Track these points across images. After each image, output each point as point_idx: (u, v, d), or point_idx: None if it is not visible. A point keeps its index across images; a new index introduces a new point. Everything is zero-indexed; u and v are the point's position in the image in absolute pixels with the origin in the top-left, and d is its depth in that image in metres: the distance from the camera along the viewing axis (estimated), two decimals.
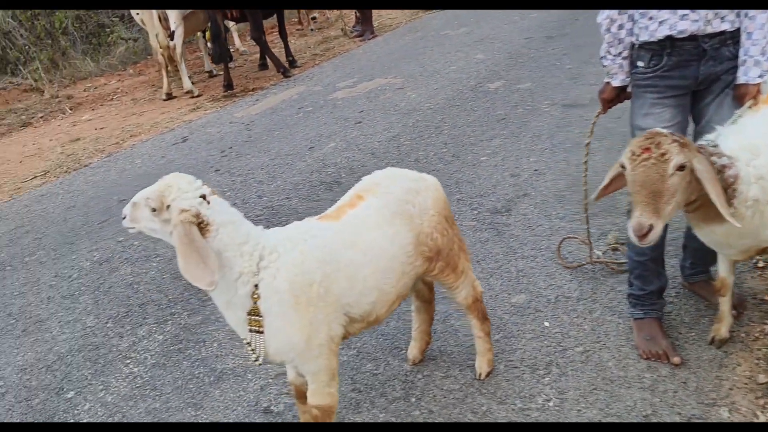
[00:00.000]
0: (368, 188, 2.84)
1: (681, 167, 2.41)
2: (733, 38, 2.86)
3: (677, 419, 2.78)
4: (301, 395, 2.90)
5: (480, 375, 3.22)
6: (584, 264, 3.95)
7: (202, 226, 2.43)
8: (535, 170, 5.42)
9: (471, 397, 3.12)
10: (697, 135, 3.02)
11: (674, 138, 2.47)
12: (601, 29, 3.08)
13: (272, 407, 3.27)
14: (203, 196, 2.47)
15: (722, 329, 3.16)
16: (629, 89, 3.19)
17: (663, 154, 2.40)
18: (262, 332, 2.53)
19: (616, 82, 3.15)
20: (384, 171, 2.95)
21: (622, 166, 2.55)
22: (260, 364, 2.62)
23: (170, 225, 2.43)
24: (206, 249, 2.38)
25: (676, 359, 3.08)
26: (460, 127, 6.71)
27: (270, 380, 3.46)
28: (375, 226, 2.71)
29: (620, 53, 3.06)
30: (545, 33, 10.04)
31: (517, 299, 3.77)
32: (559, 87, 7.42)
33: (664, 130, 2.53)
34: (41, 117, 11.07)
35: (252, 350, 2.59)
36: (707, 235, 2.77)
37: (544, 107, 6.87)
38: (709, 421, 2.75)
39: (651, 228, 2.39)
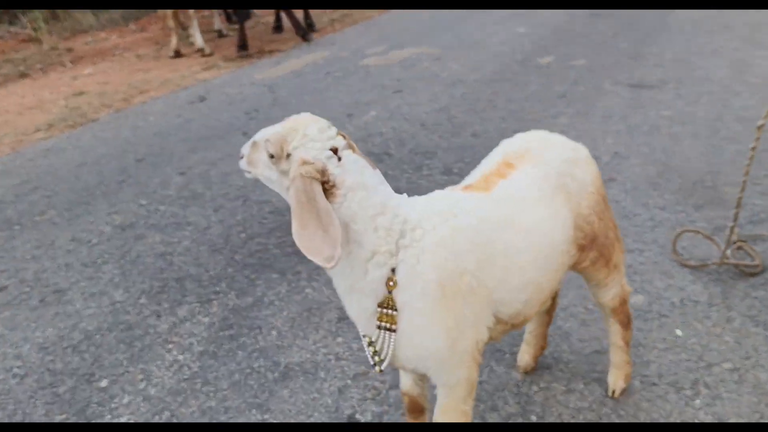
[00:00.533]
0: (519, 154, 2.24)
1: None
2: None
3: None
4: (417, 409, 2.33)
5: (613, 392, 2.66)
6: (711, 264, 3.39)
7: (327, 186, 1.83)
8: (616, 153, 4.85)
9: (607, 418, 2.56)
10: None
11: None
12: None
13: (357, 415, 2.69)
14: (334, 150, 1.88)
15: None
16: None
17: None
18: (394, 330, 1.94)
19: None
20: (532, 134, 2.36)
21: None
22: (381, 371, 2.04)
23: (289, 178, 1.84)
24: (329, 214, 1.79)
25: None
26: (516, 102, 6.12)
27: (348, 381, 2.88)
28: (535, 203, 2.13)
29: None
30: (589, 11, 9.44)
31: (635, 300, 3.20)
32: (619, 66, 6.85)
33: None
34: (40, 69, 10.26)
35: (375, 352, 2.00)
36: None
37: (607, 86, 6.29)
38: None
39: None
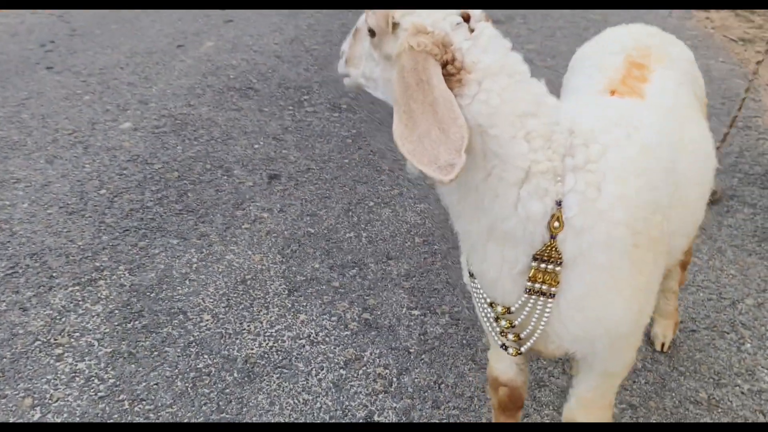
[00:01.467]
0: (643, 53, 1.68)
1: None
2: None
3: None
4: (517, 403, 1.71)
5: (662, 345, 2.28)
6: None
7: (451, 69, 1.18)
8: None
9: (672, 380, 2.17)
10: None
11: None
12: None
13: (375, 416, 2.01)
14: (465, 18, 1.18)
15: None
16: None
17: None
18: (553, 295, 1.30)
19: None
20: (637, 27, 1.83)
21: None
22: (518, 353, 1.41)
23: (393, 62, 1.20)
24: (451, 106, 1.14)
25: None
26: None
27: (341, 371, 2.16)
28: (690, 116, 1.62)
29: None
30: None
31: None
32: None
33: None
34: None
35: (510, 326, 1.36)
36: None
37: None
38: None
39: None
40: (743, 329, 2.39)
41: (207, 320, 2.36)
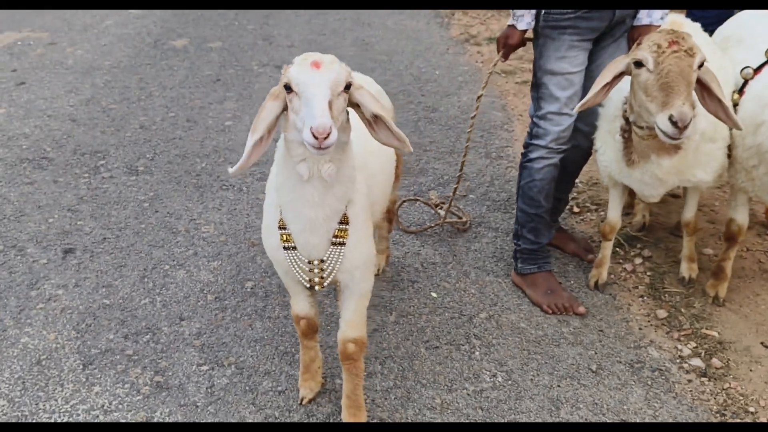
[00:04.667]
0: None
1: (701, 65, 2.39)
2: None
3: (623, 368, 2.79)
4: (313, 330, 2.53)
5: (379, 269, 3.33)
6: (432, 226, 3.72)
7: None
8: None
9: (416, 392, 2.66)
10: (587, 76, 2.98)
11: (691, 35, 2.44)
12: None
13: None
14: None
15: (603, 273, 3.29)
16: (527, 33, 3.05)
17: (691, 48, 2.36)
18: (344, 244, 2.16)
19: (522, 26, 2.95)
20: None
21: (638, 64, 2.44)
22: (322, 287, 2.24)
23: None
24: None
25: (581, 309, 3.10)
26: (172, 89, 5.74)
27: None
28: None
29: None
30: None
31: (388, 269, 3.36)
32: (257, 48, 6.92)
33: (683, 33, 2.45)
34: None
35: (320, 270, 2.18)
36: (647, 171, 2.73)
37: (255, 68, 6.31)
38: (647, 365, 2.82)
39: (691, 119, 2.28)
40: (475, 339, 2.94)
41: (3, 405, 2.53)
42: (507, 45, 3.07)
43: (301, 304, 2.46)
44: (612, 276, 3.38)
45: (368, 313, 3.00)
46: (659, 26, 2.97)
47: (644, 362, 2.83)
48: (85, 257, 3.44)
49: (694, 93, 2.44)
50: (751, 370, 2.77)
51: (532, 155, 3.11)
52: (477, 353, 2.87)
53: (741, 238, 3.08)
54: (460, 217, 3.81)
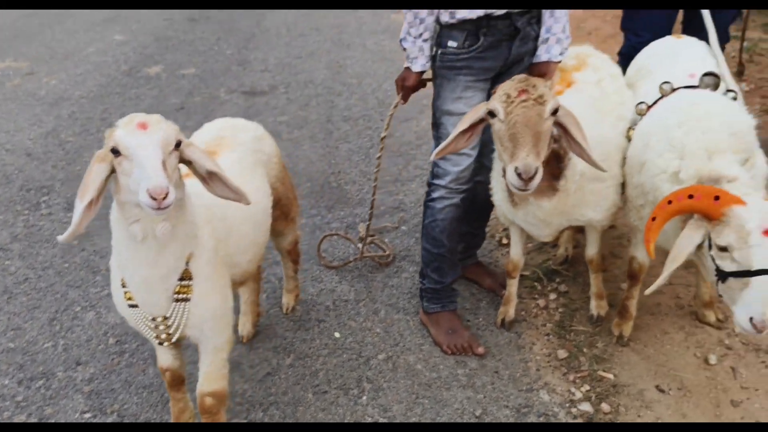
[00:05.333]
0: (215, 143, 2.60)
1: (555, 111, 2.33)
2: (536, 17, 2.87)
3: (508, 413, 2.74)
4: (178, 381, 2.55)
5: (288, 309, 3.37)
6: (352, 261, 3.70)
7: None
8: None
9: None
10: None
11: (545, 83, 2.39)
12: (403, 8, 2.86)
13: None
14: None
15: (510, 311, 3.23)
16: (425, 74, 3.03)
17: (541, 96, 2.30)
18: (188, 300, 2.17)
19: (416, 67, 2.93)
20: (217, 122, 2.83)
21: (491, 113, 2.37)
22: (170, 343, 2.26)
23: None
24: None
25: (480, 350, 3.05)
26: None
27: None
28: (247, 179, 2.52)
29: (421, 35, 2.84)
30: (186, 15, 9.38)
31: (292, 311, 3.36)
32: (230, 73, 6.98)
33: (532, 78, 2.39)
34: None
35: (166, 327, 2.19)
36: (530, 212, 2.70)
37: (223, 95, 6.37)
38: (534, 409, 2.77)
39: (536, 171, 2.22)
40: (366, 383, 2.92)
41: None
42: (404, 87, 3.05)
43: (163, 357, 2.47)
44: (523, 312, 3.33)
45: (265, 356, 3.06)
46: (558, 62, 2.94)
47: (532, 406, 2.77)
48: (2, 299, 3.50)
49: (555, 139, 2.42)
50: (639, 416, 2.70)
51: (434, 195, 3.08)
52: (364, 398, 2.85)
53: (643, 276, 3.00)
54: (385, 251, 3.79)
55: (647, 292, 2.37)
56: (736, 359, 2.95)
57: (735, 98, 2.72)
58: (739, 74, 4.58)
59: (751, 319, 2.14)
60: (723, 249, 2.18)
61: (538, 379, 2.92)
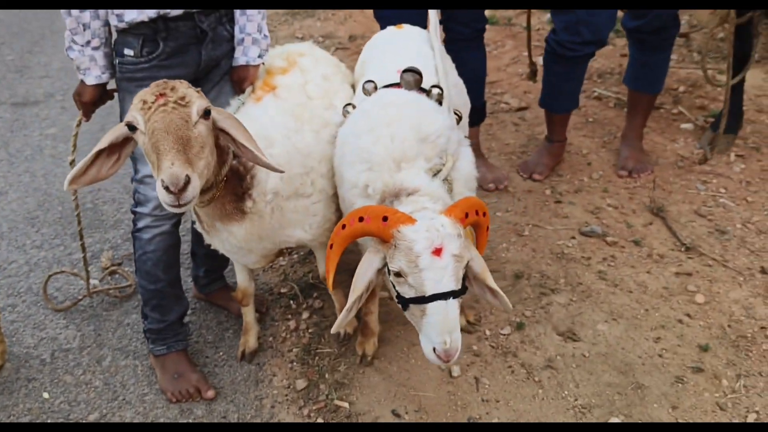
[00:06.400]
0: None
1: (206, 113, 2.00)
2: (228, 16, 2.56)
3: None
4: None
5: None
6: (80, 300, 3.26)
7: None
8: None
9: None
10: None
11: (189, 84, 2.04)
12: (63, 13, 2.42)
13: None
14: None
15: (251, 340, 2.91)
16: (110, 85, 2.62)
17: (183, 98, 1.96)
18: None
19: (90, 80, 2.51)
20: None
21: (131, 127, 1.99)
22: None
23: None
24: None
25: (209, 393, 2.72)
26: None
27: None
28: None
29: (89, 42, 2.44)
30: None
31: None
32: (5, 82, 6.25)
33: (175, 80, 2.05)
34: None
35: None
36: (225, 240, 2.40)
37: None
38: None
39: (188, 180, 1.87)
40: None
41: None
42: (83, 103, 2.63)
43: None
44: (271, 338, 3.02)
45: None
46: (258, 66, 2.61)
47: None
48: None
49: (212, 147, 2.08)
50: None
51: (139, 224, 2.68)
52: None
53: (379, 290, 2.76)
54: (127, 280, 3.37)
55: (332, 330, 2.10)
56: (482, 367, 2.76)
57: (440, 96, 2.47)
58: (532, 74, 4.47)
59: (434, 349, 1.91)
60: (398, 274, 1.93)
61: (271, 418, 2.62)
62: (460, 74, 3.11)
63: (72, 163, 2.82)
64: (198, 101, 2.00)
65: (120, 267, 3.46)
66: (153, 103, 1.95)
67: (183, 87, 2.01)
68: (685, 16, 5.88)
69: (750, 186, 3.83)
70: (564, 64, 3.78)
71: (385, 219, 1.91)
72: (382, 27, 3.59)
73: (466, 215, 1.96)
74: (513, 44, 6.26)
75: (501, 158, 4.38)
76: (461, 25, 3.69)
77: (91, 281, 3.29)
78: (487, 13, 4.25)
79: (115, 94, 2.67)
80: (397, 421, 2.55)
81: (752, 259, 3.24)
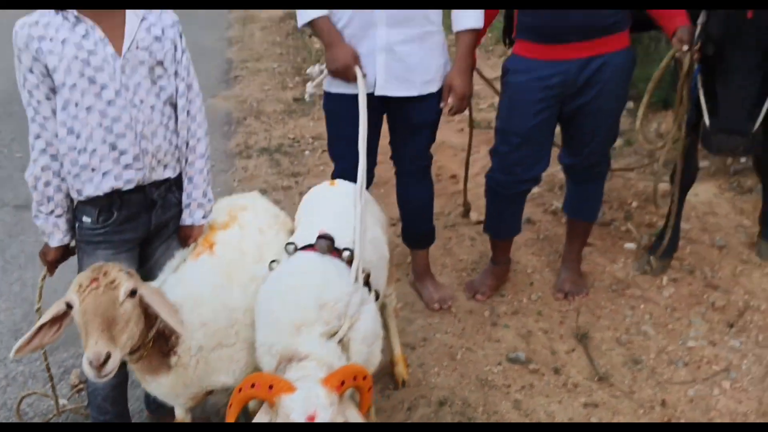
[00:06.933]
0: None
1: (132, 292, 2.41)
2: (176, 184, 3.01)
3: None
4: None
5: None
6: (51, 418, 3.59)
7: None
8: None
9: None
10: (146, 274, 2.96)
11: (120, 268, 2.46)
12: (29, 186, 2.86)
13: None
14: None
15: None
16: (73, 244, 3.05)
17: (112, 282, 2.37)
18: None
19: (54, 243, 2.94)
20: None
21: (68, 305, 2.40)
22: None
23: None
24: None
25: None
26: None
27: None
28: None
29: (52, 211, 2.88)
30: None
31: None
32: (9, 182, 6.72)
33: (109, 263, 2.48)
34: None
35: None
36: (155, 388, 2.76)
37: None
38: None
39: (108, 356, 2.26)
40: None
41: None
42: (47, 261, 3.04)
43: None
44: None
45: None
46: (202, 225, 3.02)
47: None
48: None
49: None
50: None
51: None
52: None
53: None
54: (84, 402, 3.71)
55: None
56: None
57: (350, 257, 2.82)
58: (466, 212, 4.87)
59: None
60: None
61: None
62: (407, 207, 3.50)
63: (38, 310, 3.18)
64: (126, 283, 2.40)
65: (85, 383, 3.79)
66: (87, 286, 2.36)
67: (114, 271, 2.42)
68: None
69: (675, 312, 4.10)
70: (502, 200, 4.15)
71: (270, 387, 2.24)
72: (336, 166, 3.97)
73: (342, 383, 2.28)
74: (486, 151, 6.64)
75: (452, 275, 4.70)
76: (407, 162, 4.08)
77: (60, 401, 3.62)
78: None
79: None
80: None
81: (656, 390, 3.50)
